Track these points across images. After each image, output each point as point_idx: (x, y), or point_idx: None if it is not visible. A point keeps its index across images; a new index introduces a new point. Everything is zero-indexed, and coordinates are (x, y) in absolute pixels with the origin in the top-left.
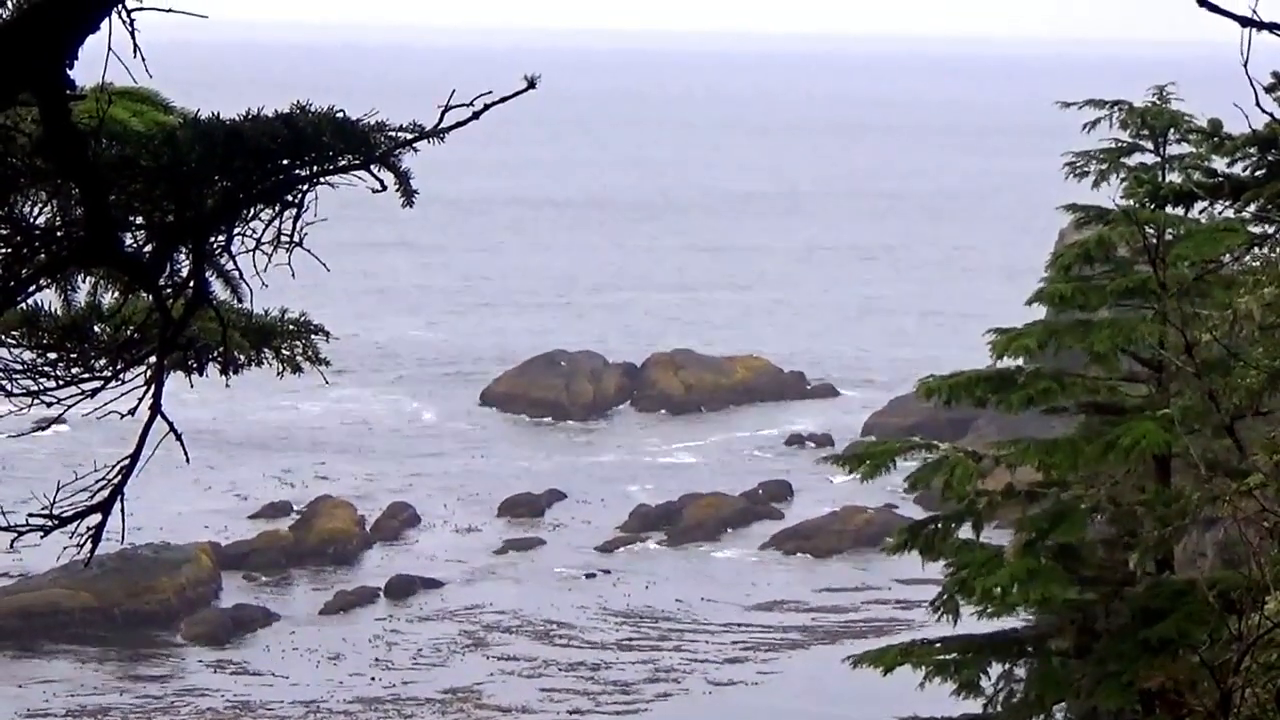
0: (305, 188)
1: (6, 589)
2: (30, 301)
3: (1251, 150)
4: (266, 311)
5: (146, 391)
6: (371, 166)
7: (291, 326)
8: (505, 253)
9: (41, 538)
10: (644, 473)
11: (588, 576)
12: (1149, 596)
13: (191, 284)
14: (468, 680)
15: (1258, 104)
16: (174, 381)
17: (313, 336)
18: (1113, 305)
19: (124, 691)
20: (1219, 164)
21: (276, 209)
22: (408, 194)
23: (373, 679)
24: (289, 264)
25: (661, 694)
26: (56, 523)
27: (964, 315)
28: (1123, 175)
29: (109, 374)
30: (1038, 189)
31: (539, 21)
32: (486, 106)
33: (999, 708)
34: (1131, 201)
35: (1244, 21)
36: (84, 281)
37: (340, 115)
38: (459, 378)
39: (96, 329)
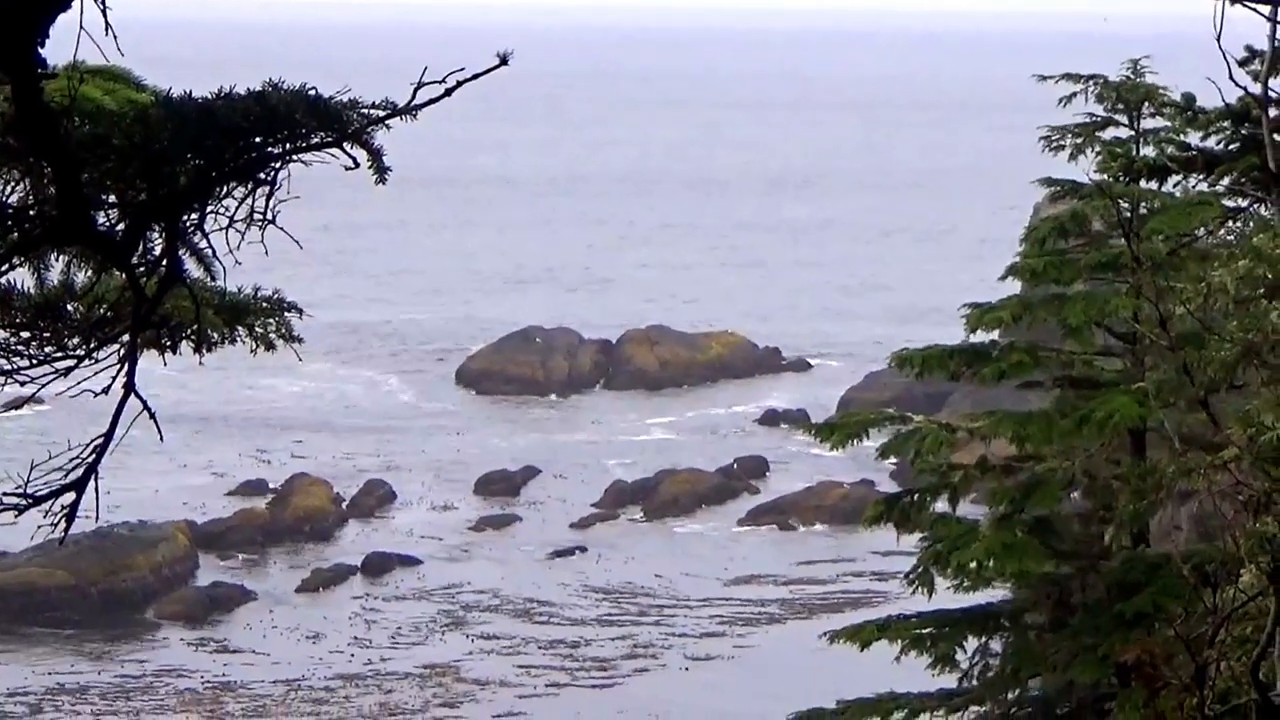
0: (278, 165)
1: None
2: (3, 281)
3: (1225, 124)
4: (240, 289)
5: (120, 370)
6: (344, 144)
7: (265, 304)
8: (481, 231)
9: (16, 517)
10: (620, 449)
11: (564, 553)
12: (1124, 570)
13: (164, 262)
14: (446, 657)
15: (1231, 78)
16: (147, 360)
17: (286, 314)
18: (1087, 279)
19: (102, 671)
20: (1193, 138)
21: (249, 187)
22: (380, 171)
23: (352, 656)
24: (262, 242)
25: (639, 669)
26: (30, 502)
27: (939, 290)
28: (1097, 149)
29: (82, 352)
30: (1014, 164)
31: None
32: (459, 83)
33: (975, 681)
34: (1106, 176)
35: None
36: (57, 260)
37: (313, 93)
38: (434, 355)
39: (70, 308)
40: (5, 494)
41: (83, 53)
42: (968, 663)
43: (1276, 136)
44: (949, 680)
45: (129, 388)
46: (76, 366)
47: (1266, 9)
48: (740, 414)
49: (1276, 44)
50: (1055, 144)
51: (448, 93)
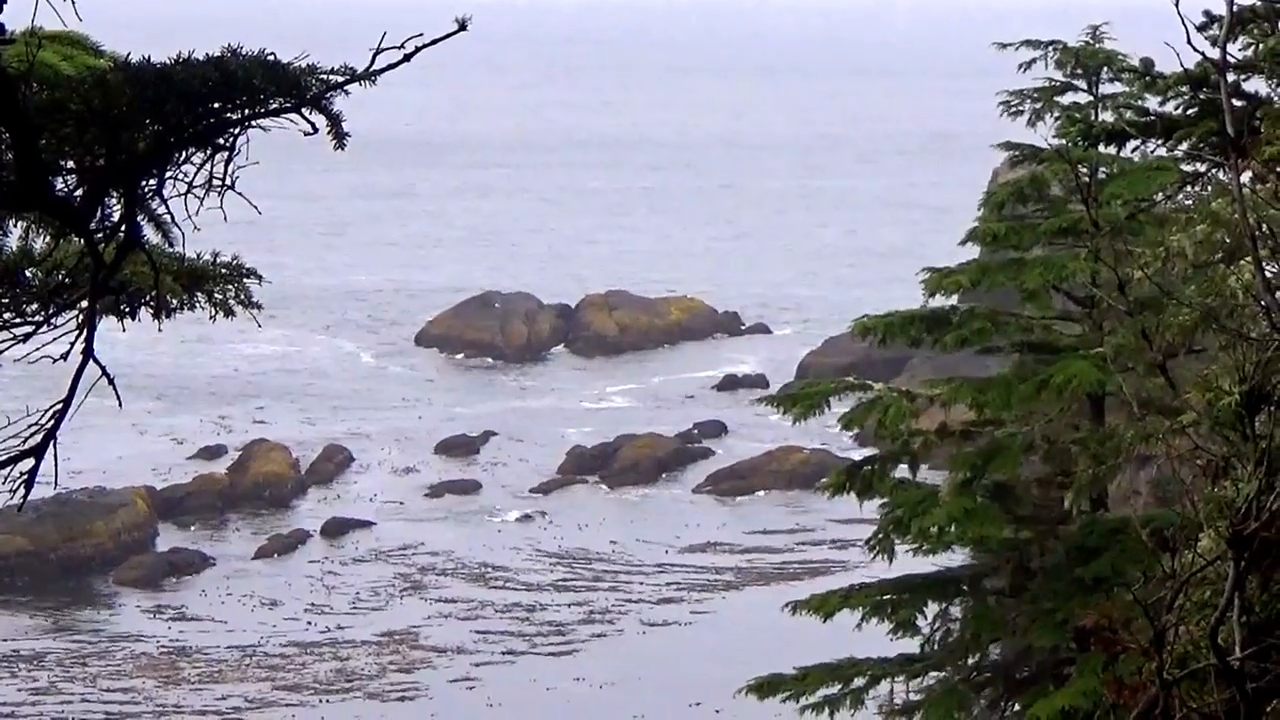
0: (236, 131)
1: None
2: None
3: (1183, 89)
4: (198, 255)
5: (78, 336)
6: (303, 110)
7: (223, 270)
8: (441, 196)
9: None
10: (579, 414)
11: (523, 519)
12: (1083, 535)
13: (123, 228)
14: (403, 623)
15: (1189, 42)
16: (106, 326)
17: (245, 280)
18: (1046, 244)
19: (58, 637)
20: (1151, 103)
21: (208, 152)
22: (339, 137)
23: (309, 623)
24: (220, 207)
25: (596, 635)
26: None
27: (898, 254)
28: (1056, 114)
29: (41, 318)
30: (974, 129)
31: None
32: (418, 49)
33: (935, 647)
34: (1064, 140)
35: None
36: (15, 226)
37: (271, 58)
38: (394, 320)
39: (28, 273)
40: None
41: (40, 18)
42: (928, 628)
43: (1235, 101)
44: (910, 645)
45: (88, 354)
46: (35, 332)
47: None
48: (700, 379)
49: (1234, 9)
50: (1015, 109)
51: (406, 58)
